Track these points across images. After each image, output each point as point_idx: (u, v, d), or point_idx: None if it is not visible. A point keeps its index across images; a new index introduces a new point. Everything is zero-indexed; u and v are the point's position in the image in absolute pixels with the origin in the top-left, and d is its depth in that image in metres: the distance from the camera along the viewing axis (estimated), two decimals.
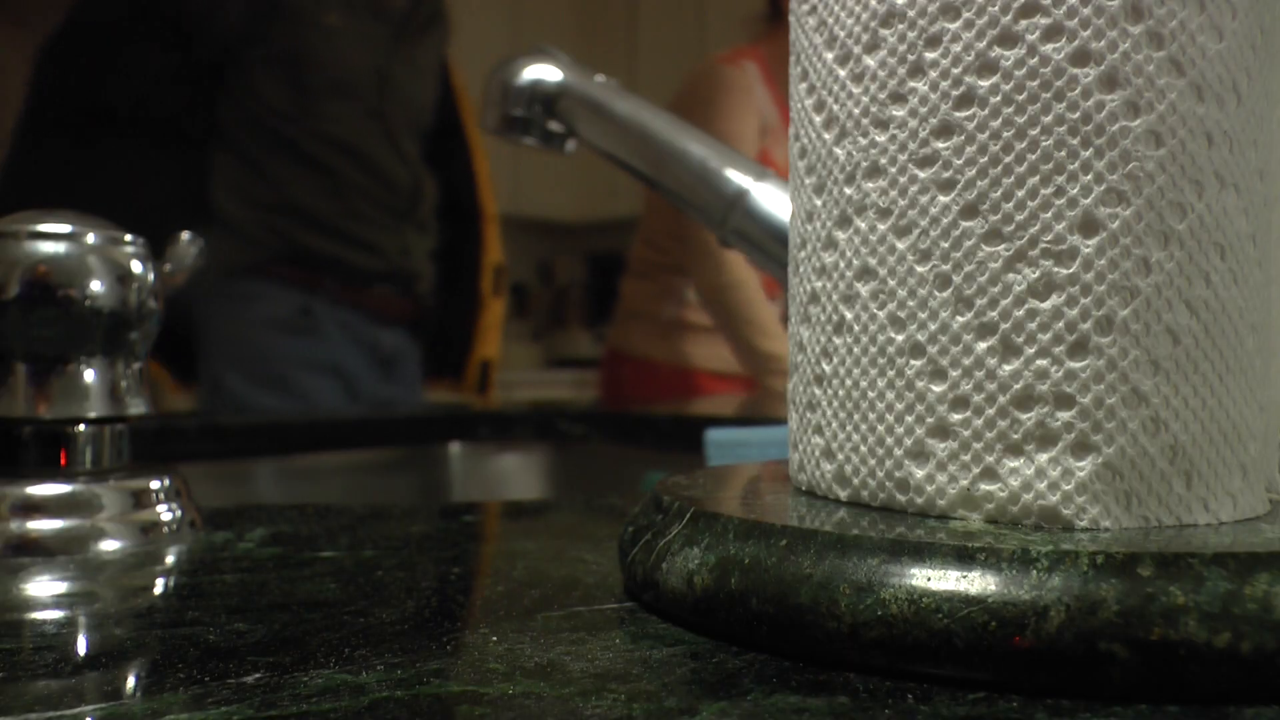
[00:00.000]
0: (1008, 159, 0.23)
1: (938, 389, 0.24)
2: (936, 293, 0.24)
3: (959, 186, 0.23)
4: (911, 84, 0.24)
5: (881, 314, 0.25)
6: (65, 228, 0.35)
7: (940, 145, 0.24)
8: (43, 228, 0.35)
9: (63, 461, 0.36)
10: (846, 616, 0.20)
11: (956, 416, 0.23)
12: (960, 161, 0.23)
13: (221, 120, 1.28)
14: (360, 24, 1.31)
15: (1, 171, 1.25)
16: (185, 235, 0.41)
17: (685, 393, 1.57)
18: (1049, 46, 0.23)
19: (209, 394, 1.25)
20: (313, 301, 1.28)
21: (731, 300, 1.50)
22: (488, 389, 1.56)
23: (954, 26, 0.23)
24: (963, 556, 0.20)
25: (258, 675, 0.20)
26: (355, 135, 1.31)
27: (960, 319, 0.23)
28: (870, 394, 0.25)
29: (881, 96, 0.25)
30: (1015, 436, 0.23)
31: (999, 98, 0.23)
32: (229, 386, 1.24)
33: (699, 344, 1.59)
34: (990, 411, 0.23)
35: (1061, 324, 0.22)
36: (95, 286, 0.35)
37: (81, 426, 0.36)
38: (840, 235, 0.26)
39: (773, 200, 0.53)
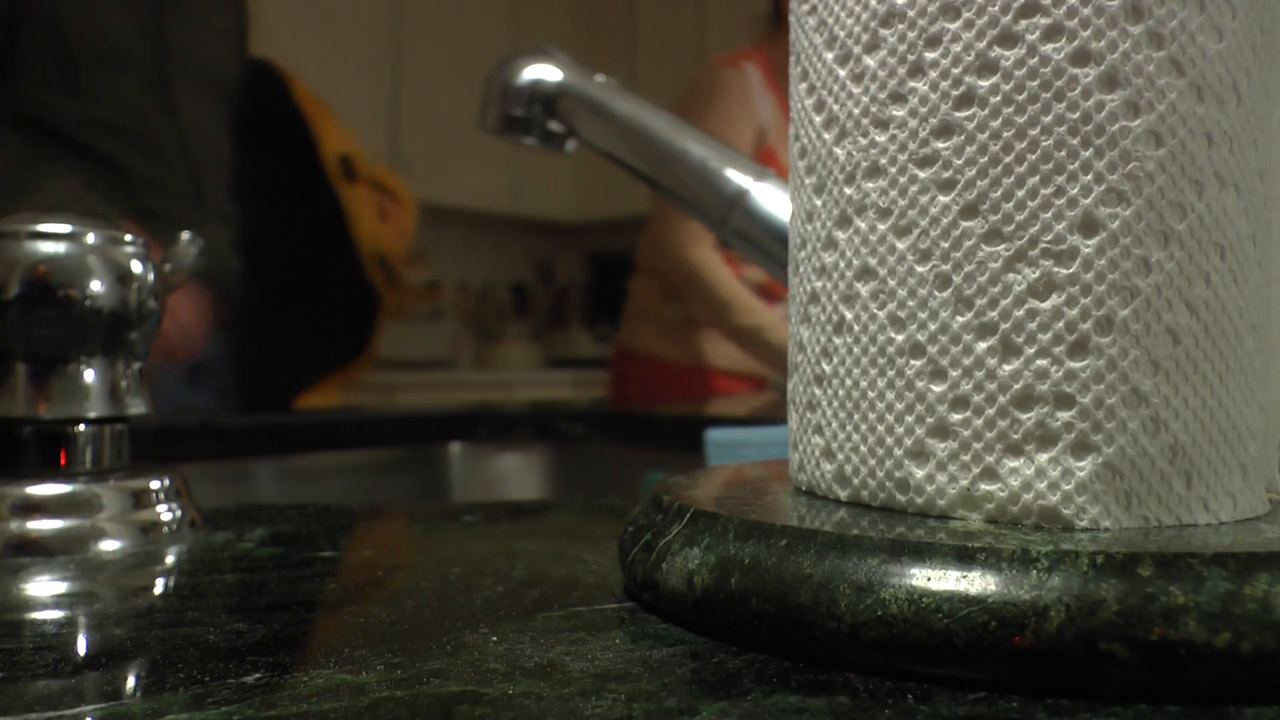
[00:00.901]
0: (1008, 159, 0.23)
1: (938, 389, 0.24)
2: (936, 293, 0.24)
3: (959, 186, 0.23)
4: (911, 84, 0.24)
5: (881, 314, 0.25)
6: (65, 228, 0.35)
7: (940, 145, 0.24)
8: (43, 228, 0.35)
9: (63, 461, 0.36)
10: (846, 616, 0.20)
11: (956, 416, 0.23)
12: (960, 161, 0.23)
13: None
14: None
15: None
16: (185, 235, 0.41)
17: (694, 391, 1.56)
18: (1049, 46, 0.23)
19: None
20: None
21: (698, 290, 1.49)
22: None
23: (954, 26, 0.23)
24: (963, 556, 0.20)
25: (258, 675, 0.20)
26: (134, 116, 1.09)
27: (960, 319, 0.23)
28: (870, 394, 0.25)
29: (881, 96, 0.25)
30: (1015, 436, 0.23)
31: (999, 98, 0.23)
32: None
33: (707, 342, 1.59)
34: (990, 411, 0.23)
35: (1061, 324, 0.22)
36: (95, 286, 0.35)
37: (81, 426, 0.36)
38: (840, 235, 0.26)
39: (773, 200, 0.53)
